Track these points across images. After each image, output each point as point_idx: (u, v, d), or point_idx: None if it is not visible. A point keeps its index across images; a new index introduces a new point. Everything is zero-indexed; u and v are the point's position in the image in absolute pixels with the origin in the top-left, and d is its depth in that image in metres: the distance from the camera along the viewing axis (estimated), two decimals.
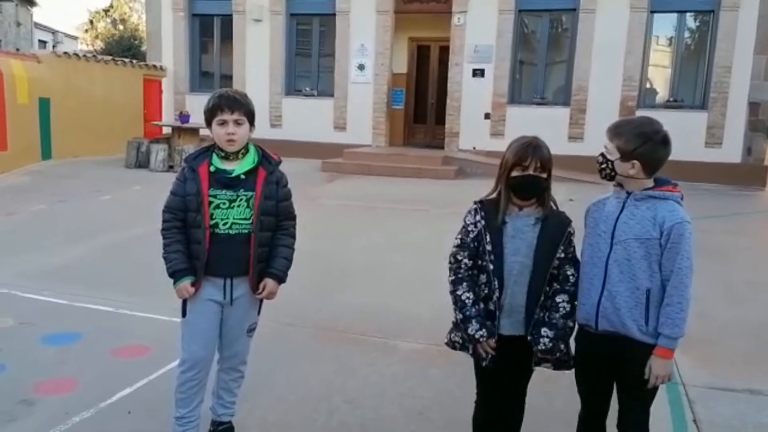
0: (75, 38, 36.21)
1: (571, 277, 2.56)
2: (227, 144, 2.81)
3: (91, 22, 34.48)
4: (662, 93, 13.17)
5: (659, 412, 3.45)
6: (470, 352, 2.62)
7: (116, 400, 3.49)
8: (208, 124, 2.86)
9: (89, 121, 13.26)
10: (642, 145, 2.41)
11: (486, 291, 2.55)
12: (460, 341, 2.64)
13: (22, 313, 4.73)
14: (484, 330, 2.51)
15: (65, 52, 14.16)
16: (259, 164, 2.87)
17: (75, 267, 6.05)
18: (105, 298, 5.09)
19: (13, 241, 6.97)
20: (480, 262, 2.56)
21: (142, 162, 12.67)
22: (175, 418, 2.96)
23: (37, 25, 30.78)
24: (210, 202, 2.78)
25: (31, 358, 3.98)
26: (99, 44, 31.08)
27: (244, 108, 2.84)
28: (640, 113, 12.38)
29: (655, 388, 2.54)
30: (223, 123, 2.80)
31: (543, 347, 2.51)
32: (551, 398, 3.52)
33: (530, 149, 2.48)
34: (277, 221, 2.92)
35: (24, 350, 4.09)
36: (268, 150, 2.99)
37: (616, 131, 2.47)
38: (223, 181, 2.81)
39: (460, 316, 2.55)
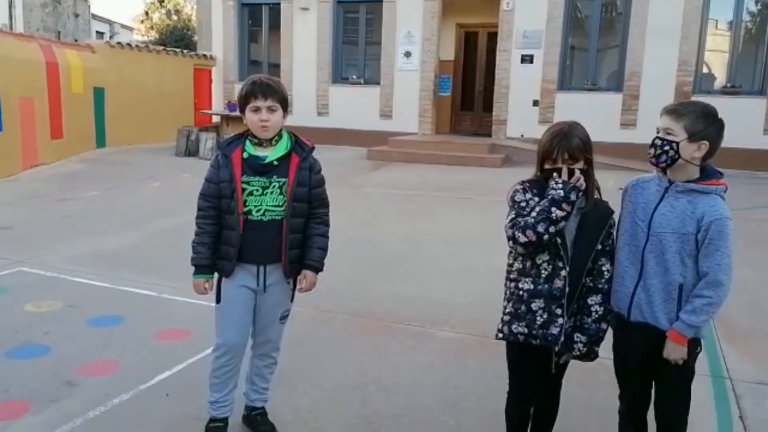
0: (131, 29, 37.04)
1: (605, 273, 2.46)
2: (261, 130, 2.80)
3: (147, 13, 35.21)
4: (719, 78, 12.67)
5: (704, 408, 3.35)
6: (549, 339, 2.43)
7: (155, 382, 3.55)
8: (242, 110, 2.85)
9: (142, 110, 13.57)
10: (711, 125, 2.30)
11: (549, 270, 2.42)
12: (527, 330, 2.45)
13: (70, 297, 4.87)
14: (562, 186, 2.33)
15: (119, 43, 14.50)
16: (292, 150, 2.86)
17: (122, 252, 6.20)
18: (149, 282, 5.20)
19: (65, 227, 7.19)
20: None
21: (191, 150, 12.91)
22: (209, 402, 2.99)
23: (95, 17, 31.57)
24: (243, 189, 2.78)
25: (76, 341, 4.09)
26: (153, 35, 31.74)
27: (277, 95, 2.82)
28: (697, 99, 11.95)
29: (691, 379, 2.46)
30: (257, 110, 2.78)
31: (578, 352, 2.47)
32: (592, 392, 3.44)
33: (557, 140, 2.37)
34: (310, 208, 2.90)
35: (70, 332, 4.21)
36: (306, 137, 2.97)
37: (680, 111, 2.33)
38: (256, 167, 2.80)
39: (545, 204, 2.33)
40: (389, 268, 5.84)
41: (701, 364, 3.78)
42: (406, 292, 5.14)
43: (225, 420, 3.01)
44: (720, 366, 3.89)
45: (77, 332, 4.23)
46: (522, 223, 2.37)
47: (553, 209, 2.33)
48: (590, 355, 2.50)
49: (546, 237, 2.34)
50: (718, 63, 12.75)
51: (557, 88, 13.17)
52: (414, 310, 4.76)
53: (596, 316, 2.45)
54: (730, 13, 12.35)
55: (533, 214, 2.37)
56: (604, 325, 2.48)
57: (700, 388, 3.52)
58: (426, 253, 6.36)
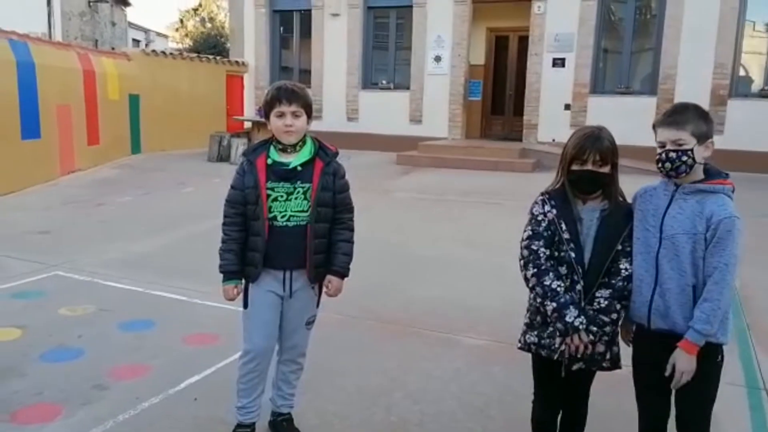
0: (166, 37, 37.67)
1: (623, 271, 2.43)
2: (285, 136, 2.82)
3: (182, 21, 35.79)
4: (757, 81, 12.34)
5: (739, 419, 3.27)
6: (552, 349, 2.47)
7: (184, 387, 3.60)
8: (267, 116, 2.88)
9: (175, 117, 13.78)
10: (710, 122, 2.34)
11: (568, 282, 2.44)
12: (537, 340, 2.52)
13: (104, 300, 4.96)
14: (583, 317, 2.38)
15: (153, 50, 14.77)
16: (315, 155, 2.87)
17: (154, 257, 6.30)
18: (180, 287, 5.27)
19: (100, 231, 7.33)
20: (558, 253, 2.46)
21: (223, 155, 13.05)
22: (237, 408, 3.02)
23: (131, 25, 32.15)
24: (268, 195, 2.81)
25: (108, 344, 4.16)
26: (188, 42, 32.23)
27: (301, 100, 2.84)
28: (733, 102, 11.76)
29: (715, 391, 2.40)
30: (281, 115, 2.81)
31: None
32: (620, 400, 3.36)
33: (589, 141, 2.38)
34: (334, 213, 2.91)
35: (102, 336, 4.29)
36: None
37: (680, 120, 2.31)
38: (280, 173, 2.82)
39: (554, 305, 2.39)
40: (416, 273, 5.83)
41: (736, 374, 3.72)
42: (432, 298, 5.13)
43: (252, 425, 3.04)
44: (756, 377, 3.79)
45: (109, 336, 4.31)
46: (533, 266, 2.45)
47: (549, 305, 2.40)
48: (594, 357, 2.47)
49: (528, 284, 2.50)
50: (755, 65, 12.45)
51: (590, 91, 13.02)
52: (440, 315, 4.74)
53: (598, 306, 2.42)
54: (767, 14, 12.07)
55: (547, 280, 2.41)
56: (604, 317, 2.42)
57: (735, 399, 3.45)
58: (453, 258, 6.33)
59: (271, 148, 2.86)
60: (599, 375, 2.64)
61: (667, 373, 2.32)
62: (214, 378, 3.70)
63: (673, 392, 2.43)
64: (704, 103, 11.53)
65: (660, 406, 2.49)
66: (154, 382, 3.63)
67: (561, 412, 2.70)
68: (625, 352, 2.61)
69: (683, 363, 2.30)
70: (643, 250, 2.41)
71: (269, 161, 2.82)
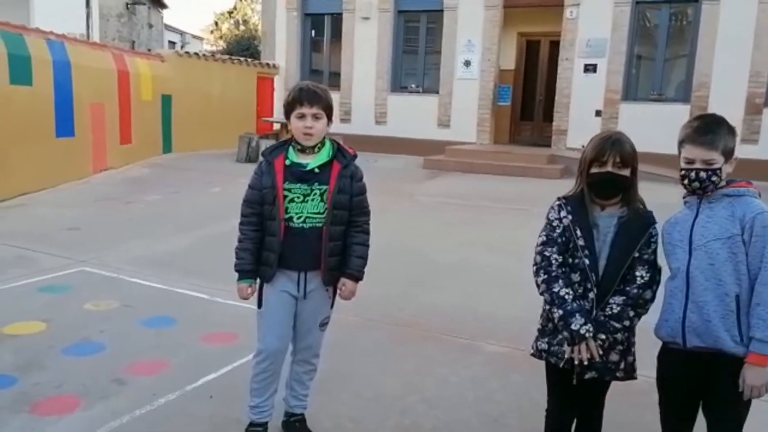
0: (201, 39, 38.20)
1: (638, 279, 2.38)
2: (304, 137, 2.83)
3: (216, 23, 36.29)
4: None
5: None
6: (559, 357, 2.46)
7: (200, 384, 3.63)
8: (287, 116, 2.89)
9: (206, 117, 13.94)
10: (735, 136, 2.32)
11: (581, 290, 2.41)
12: (547, 347, 2.51)
13: (127, 297, 5.04)
14: (590, 325, 2.34)
15: (186, 52, 14.96)
16: (333, 158, 2.87)
17: (179, 255, 6.37)
18: (202, 285, 5.32)
19: (128, 229, 7.44)
20: (572, 260, 2.43)
21: (251, 156, 13.14)
22: (250, 407, 3.03)
23: (167, 27, 32.67)
24: (285, 196, 2.82)
25: (129, 340, 4.22)
26: (222, 44, 32.64)
27: (323, 102, 2.85)
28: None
29: (748, 408, 2.32)
30: (302, 116, 2.82)
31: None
32: (640, 412, 3.31)
33: (609, 143, 2.36)
34: (350, 216, 2.91)
35: (124, 332, 4.35)
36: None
37: (714, 139, 2.27)
38: (298, 174, 2.83)
39: (560, 312, 2.37)
40: (437, 277, 5.81)
41: None
42: (453, 303, 5.10)
43: (264, 425, 3.04)
44: None
45: (131, 332, 4.37)
46: (543, 273, 2.46)
47: (556, 312, 2.39)
48: (608, 366, 2.43)
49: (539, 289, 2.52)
50: None
51: (621, 98, 12.84)
52: (460, 321, 4.71)
53: (610, 312, 2.38)
54: None
55: (556, 287, 2.39)
56: (615, 323, 2.37)
57: (759, 413, 3.35)
58: (475, 263, 6.29)
59: (290, 149, 2.87)
60: (619, 385, 2.60)
61: (742, 391, 2.22)
62: (230, 376, 3.73)
63: (701, 405, 2.38)
64: (739, 112, 11.44)
65: (685, 421, 2.44)
66: (172, 378, 3.67)
67: (575, 421, 2.66)
68: (642, 363, 2.56)
69: (755, 378, 2.20)
70: (674, 266, 2.36)
71: (287, 162, 2.83)
